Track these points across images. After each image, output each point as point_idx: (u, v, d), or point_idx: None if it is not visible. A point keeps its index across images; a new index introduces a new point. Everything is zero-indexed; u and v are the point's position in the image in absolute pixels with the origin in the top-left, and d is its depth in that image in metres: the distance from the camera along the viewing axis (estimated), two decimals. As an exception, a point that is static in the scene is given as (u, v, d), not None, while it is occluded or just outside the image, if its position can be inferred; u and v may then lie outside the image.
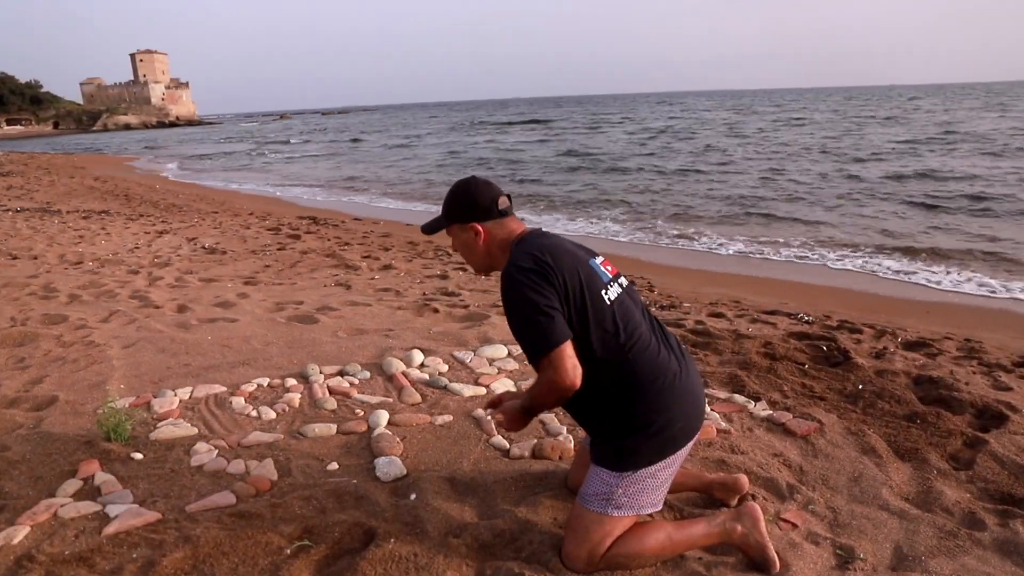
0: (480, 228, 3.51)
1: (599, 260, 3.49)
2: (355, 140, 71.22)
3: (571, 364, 3.12)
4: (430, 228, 3.70)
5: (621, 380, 3.27)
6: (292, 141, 77.64)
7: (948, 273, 12.47)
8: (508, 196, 3.61)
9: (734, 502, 3.94)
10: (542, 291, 3.15)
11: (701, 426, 3.45)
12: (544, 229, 3.62)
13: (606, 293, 3.32)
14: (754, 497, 3.99)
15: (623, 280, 3.52)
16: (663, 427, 3.27)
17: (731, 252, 14.82)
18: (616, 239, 16.79)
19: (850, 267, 13.20)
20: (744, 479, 3.97)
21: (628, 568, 3.35)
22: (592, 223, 18.99)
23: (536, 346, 3.17)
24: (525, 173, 32.27)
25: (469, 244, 3.59)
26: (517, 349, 6.43)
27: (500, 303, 8.55)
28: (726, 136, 45.79)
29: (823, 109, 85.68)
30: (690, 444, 3.41)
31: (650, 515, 3.63)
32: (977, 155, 31.39)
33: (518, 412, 3.46)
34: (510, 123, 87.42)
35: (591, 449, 3.48)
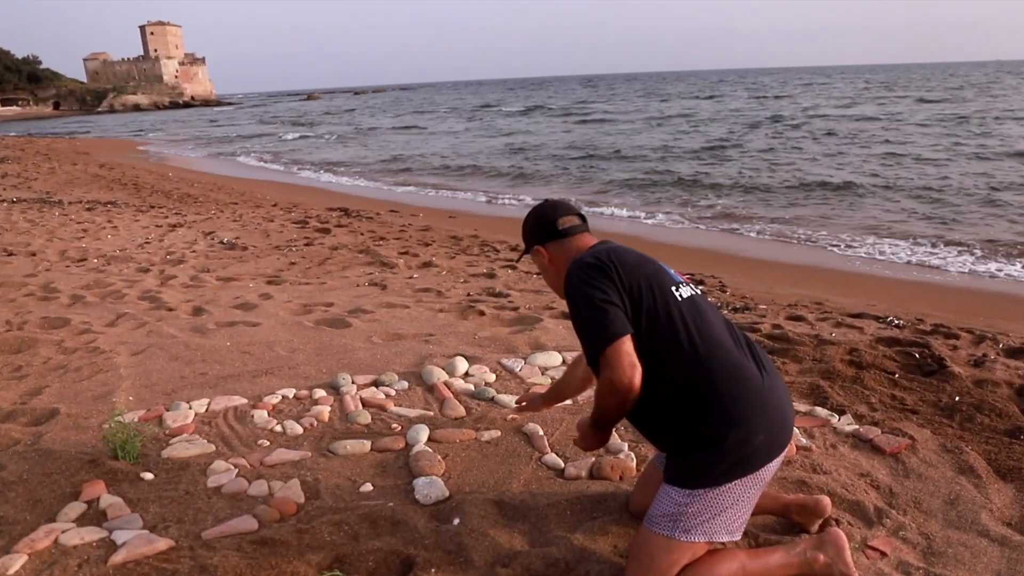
0: (543, 250, 3.78)
1: (672, 270, 3.58)
2: (393, 123, 71.42)
3: (628, 361, 3.16)
4: (518, 258, 4.24)
5: (693, 384, 3.25)
6: (320, 123, 78.11)
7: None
8: (579, 215, 3.85)
9: (815, 527, 3.90)
10: (599, 285, 3.28)
11: (788, 443, 3.38)
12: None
13: (676, 290, 3.41)
14: (838, 522, 3.94)
15: (695, 289, 3.57)
16: (742, 441, 3.21)
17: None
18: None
19: (948, 265, 13.10)
20: (827, 501, 3.93)
21: None
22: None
23: (591, 343, 3.26)
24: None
25: (543, 267, 3.88)
26: (572, 356, 6.40)
27: (552, 305, 8.57)
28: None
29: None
30: (775, 463, 3.34)
31: (724, 543, 3.60)
32: None
33: (588, 427, 3.55)
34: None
35: (664, 468, 3.45)
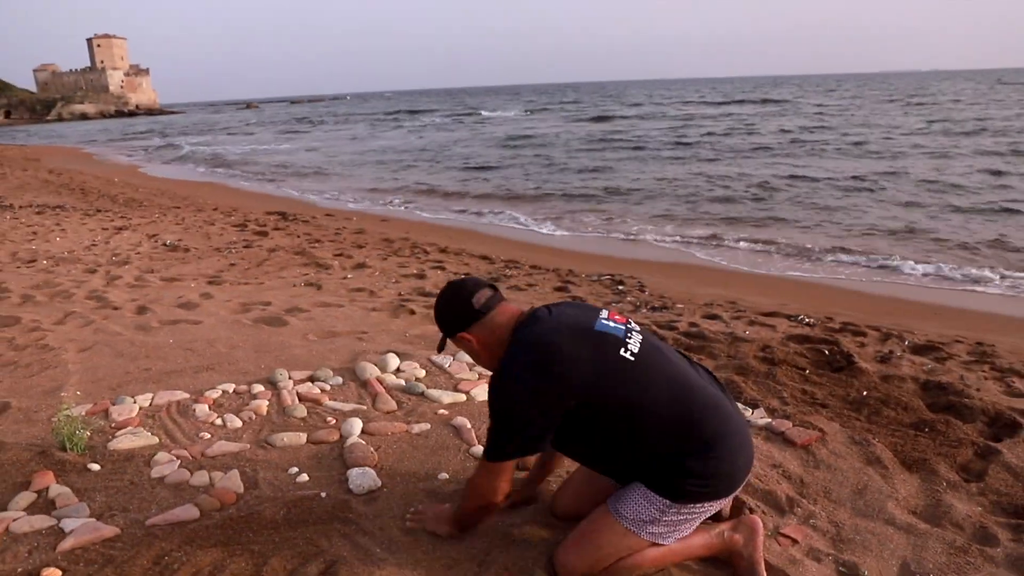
0: (469, 336, 3.47)
1: (605, 315, 3.45)
2: (335, 130, 71.33)
3: (502, 485, 3.32)
4: (439, 347, 3.71)
5: (677, 434, 3.24)
6: (257, 131, 77.83)
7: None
8: (490, 285, 3.55)
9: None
10: (529, 398, 3.17)
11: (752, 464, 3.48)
12: (534, 307, 3.56)
13: (625, 351, 3.27)
14: (752, 510, 3.97)
15: (635, 326, 3.48)
16: (725, 472, 3.28)
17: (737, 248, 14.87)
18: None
19: (856, 266, 13.27)
20: None
21: None
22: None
23: (491, 444, 3.31)
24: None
25: (473, 352, 3.56)
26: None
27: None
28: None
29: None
30: (741, 486, 3.44)
31: None
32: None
33: (448, 521, 3.70)
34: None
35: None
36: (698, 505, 3.30)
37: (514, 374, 3.21)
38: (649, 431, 3.23)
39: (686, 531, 3.40)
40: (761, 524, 3.56)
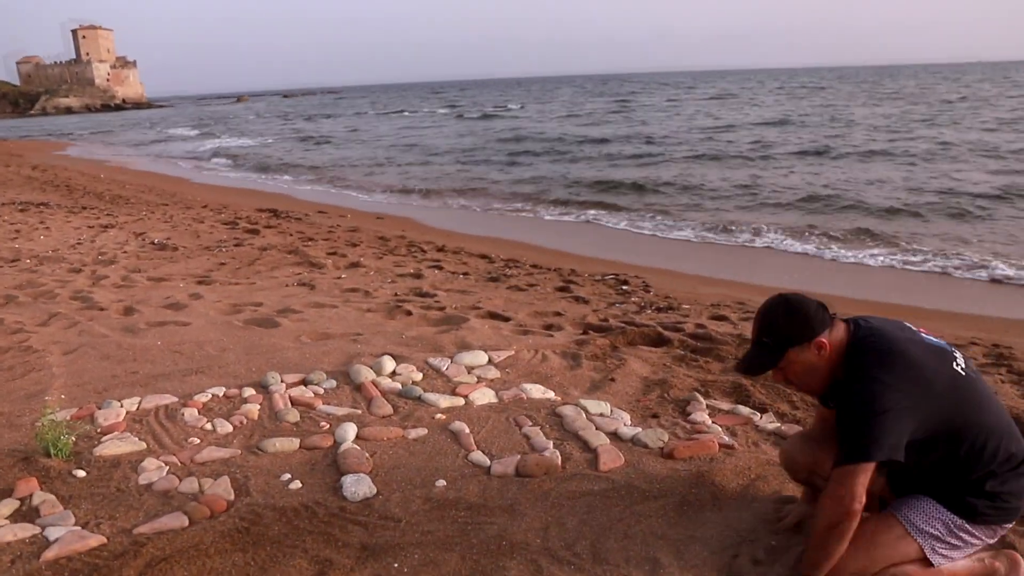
0: (825, 341, 3.42)
1: (922, 330, 3.52)
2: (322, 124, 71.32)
3: (859, 490, 3.17)
4: (756, 368, 3.70)
5: (992, 454, 3.29)
6: (245, 125, 78.02)
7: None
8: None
9: None
10: (901, 396, 3.18)
11: None
12: (847, 319, 3.61)
13: (956, 365, 3.36)
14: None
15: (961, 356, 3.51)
16: (1010, 502, 3.34)
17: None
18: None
19: (868, 263, 13.27)
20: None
21: None
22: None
23: (848, 447, 3.22)
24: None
25: (812, 365, 3.48)
26: (498, 356, 6.44)
27: (479, 305, 8.52)
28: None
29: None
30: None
31: None
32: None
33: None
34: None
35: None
36: (987, 528, 3.38)
37: (879, 378, 3.22)
38: (968, 447, 3.27)
39: (962, 554, 3.44)
40: (1023, 561, 3.61)
